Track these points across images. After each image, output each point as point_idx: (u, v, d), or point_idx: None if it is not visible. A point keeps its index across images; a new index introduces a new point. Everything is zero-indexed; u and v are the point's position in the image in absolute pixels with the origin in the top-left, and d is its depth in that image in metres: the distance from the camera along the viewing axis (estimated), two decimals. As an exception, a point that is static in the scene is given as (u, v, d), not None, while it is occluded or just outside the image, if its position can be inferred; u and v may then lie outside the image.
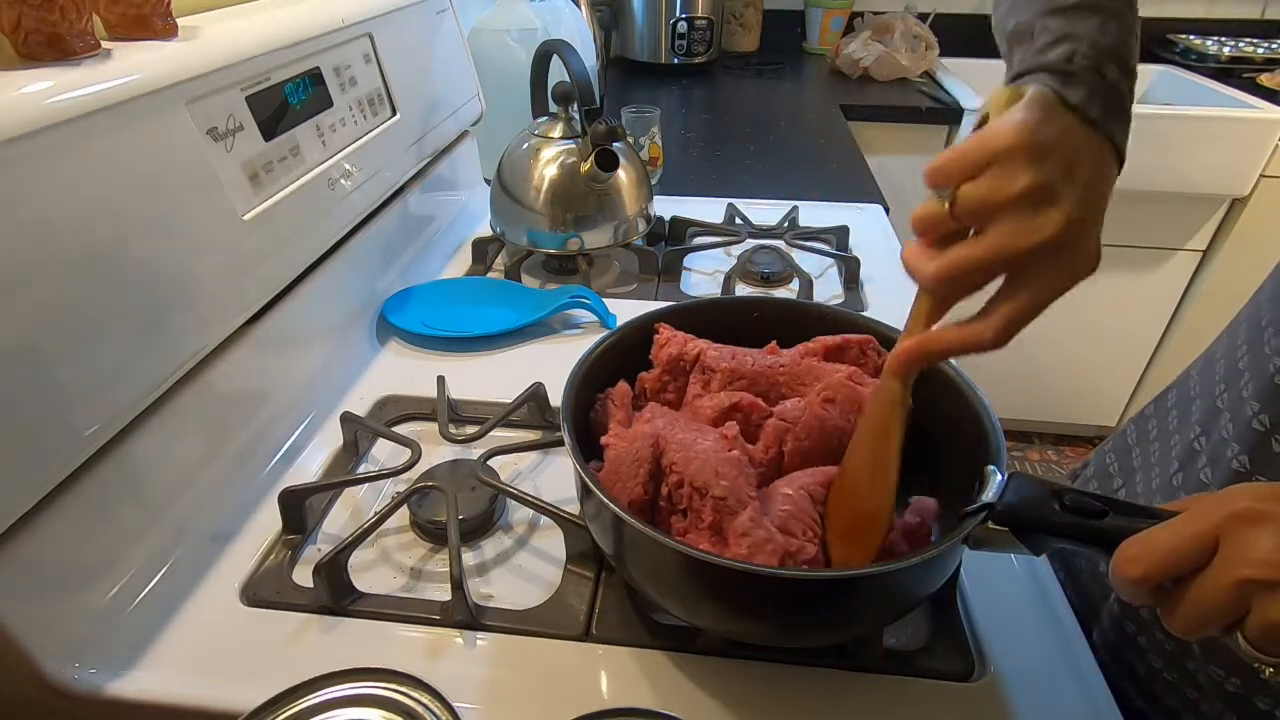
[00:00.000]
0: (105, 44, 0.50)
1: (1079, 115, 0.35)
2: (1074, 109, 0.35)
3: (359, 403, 0.68)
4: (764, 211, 1.05)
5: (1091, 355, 1.83)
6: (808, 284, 0.86)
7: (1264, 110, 1.50)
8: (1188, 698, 0.47)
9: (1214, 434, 0.47)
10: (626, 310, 0.79)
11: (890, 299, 0.85)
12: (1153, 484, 0.53)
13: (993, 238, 0.35)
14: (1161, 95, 1.81)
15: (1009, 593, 0.52)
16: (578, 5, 1.30)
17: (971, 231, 0.37)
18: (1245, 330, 0.47)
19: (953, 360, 0.52)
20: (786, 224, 1.01)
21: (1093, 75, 0.35)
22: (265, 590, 0.51)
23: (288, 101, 0.63)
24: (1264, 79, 1.63)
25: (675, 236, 1.00)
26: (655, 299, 0.88)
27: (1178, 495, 0.50)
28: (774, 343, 0.55)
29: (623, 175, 0.86)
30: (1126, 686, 0.51)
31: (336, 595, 0.49)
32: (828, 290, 0.88)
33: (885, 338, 0.55)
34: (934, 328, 0.40)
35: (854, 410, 0.49)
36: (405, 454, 0.58)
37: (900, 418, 0.41)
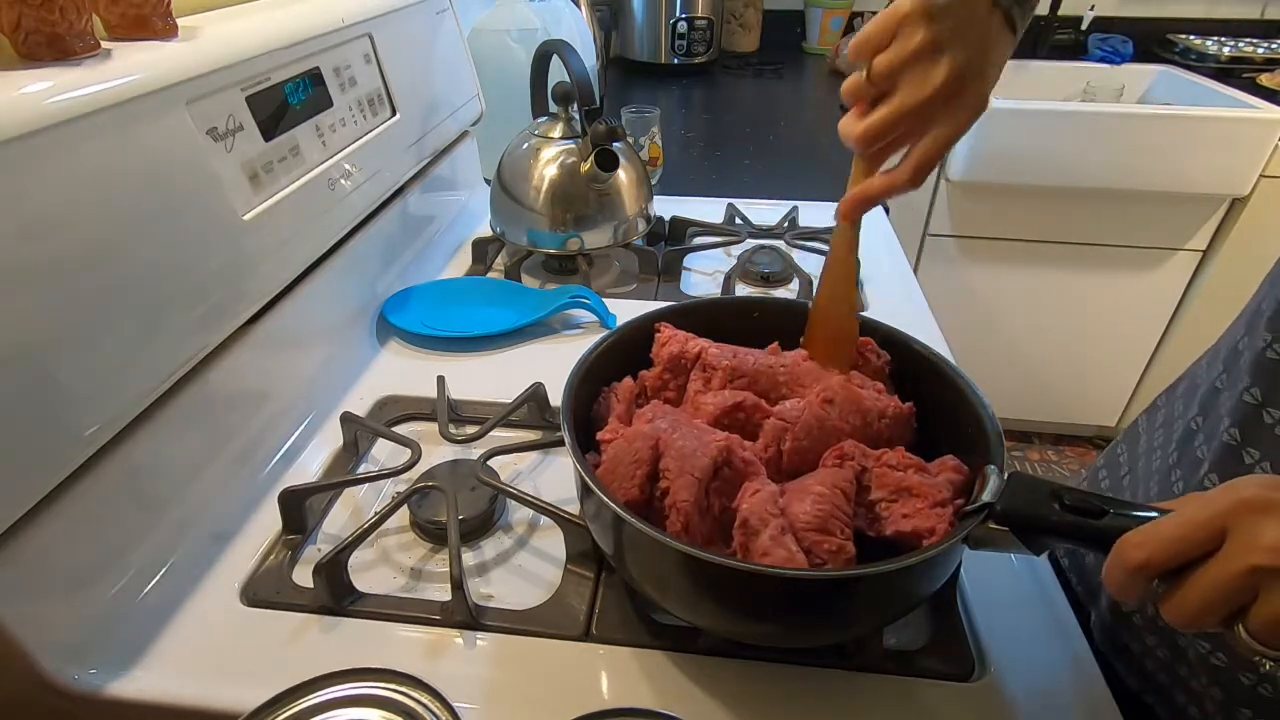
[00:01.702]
0: (105, 44, 0.50)
1: None
2: None
3: (359, 403, 0.68)
4: (764, 211, 1.05)
5: (1091, 355, 1.83)
6: (808, 284, 0.86)
7: (1264, 110, 1.50)
8: (1178, 674, 0.47)
9: (1212, 414, 0.47)
10: (626, 310, 0.80)
11: (890, 299, 0.85)
12: (1154, 464, 0.53)
13: (898, 96, 0.44)
14: (1161, 95, 1.81)
15: (1009, 593, 0.52)
16: (578, 5, 1.30)
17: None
18: (1247, 318, 0.48)
19: (953, 360, 0.52)
20: (786, 224, 1.01)
21: None
22: (265, 590, 0.51)
23: (288, 101, 0.63)
24: (1264, 79, 1.63)
25: (675, 236, 1.00)
26: (655, 299, 0.88)
27: (1175, 473, 0.50)
28: (776, 343, 0.55)
29: (623, 175, 0.86)
30: (1119, 665, 0.51)
31: (336, 595, 0.49)
32: (828, 290, 0.88)
33: (885, 338, 0.55)
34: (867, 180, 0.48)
35: (853, 412, 0.49)
36: (405, 454, 0.58)
37: (854, 255, 0.53)
